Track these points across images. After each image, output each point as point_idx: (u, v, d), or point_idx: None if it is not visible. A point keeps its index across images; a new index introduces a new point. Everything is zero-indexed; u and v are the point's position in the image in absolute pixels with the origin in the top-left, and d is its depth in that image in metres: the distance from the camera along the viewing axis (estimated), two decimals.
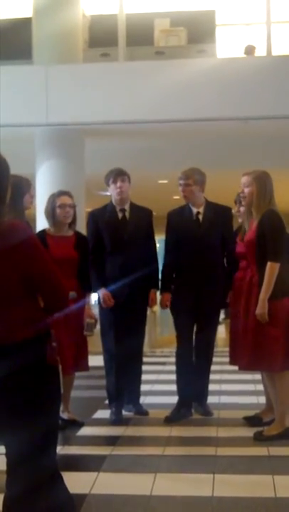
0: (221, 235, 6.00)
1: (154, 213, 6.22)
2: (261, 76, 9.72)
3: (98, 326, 6.02)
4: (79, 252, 5.79)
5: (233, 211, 6.16)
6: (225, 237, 6.00)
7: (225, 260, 6.11)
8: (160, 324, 13.47)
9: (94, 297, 6.20)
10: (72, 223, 5.89)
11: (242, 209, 5.86)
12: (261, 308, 5.22)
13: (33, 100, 9.83)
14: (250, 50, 11.62)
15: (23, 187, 5.32)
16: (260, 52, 11.42)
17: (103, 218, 6.06)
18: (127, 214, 6.07)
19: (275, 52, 11.11)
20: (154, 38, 12.62)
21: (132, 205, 6.13)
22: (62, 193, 5.88)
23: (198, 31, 12.42)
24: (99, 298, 6.04)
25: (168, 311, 6.24)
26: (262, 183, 5.37)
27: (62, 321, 5.41)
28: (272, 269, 5.21)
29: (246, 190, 5.43)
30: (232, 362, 5.89)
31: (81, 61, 10.96)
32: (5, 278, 2.73)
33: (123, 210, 6.07)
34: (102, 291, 5.97)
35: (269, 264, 5.22)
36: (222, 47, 12.34)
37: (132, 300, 5.96)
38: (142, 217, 6.11)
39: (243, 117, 9.70)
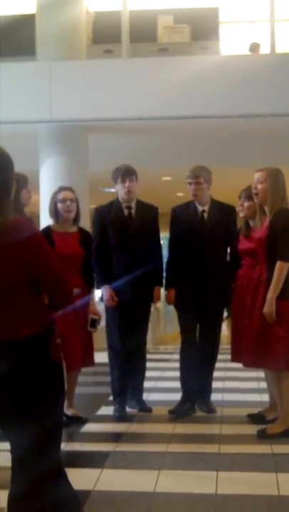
0: (224, 233, 6.00)
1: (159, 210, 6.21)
2: (264, 73, 9.69)
3: (102, 323, 6.03)
4: (84, 248, 5.81)
5: (237, 208, 6.14)
6: (229, 236, 6.01)
7: (228, 258, 6.12)
8: (164, 321, 13.47)
9: (98, 294, 6.20)
10: (76, 219, 5.89)
11: (246, 204, 5.83)
12: (269, 307, 5.18)
13: (37, 97, 9.81)
14: (254, 48, 11.59)
15: (20, 182, 5.30)
16: (264, 49, 11.40)
17: (109, 215, 6.04)
18: (133, 211, 6.06)
19: (278, 50, 11.08)
20: (158, 34, 12.59)
21: (138, 203, 6.11)
22: (63, 189, 5.91)
23: (201, 28, 12.38)
24: (102, 295, 6.04)
25: (172, 307, 6.25)
26: (275, 179, 5.30)
27: (71, 318, 5.43)
28: (281, 269, 5.15)
29: (259, 186, 5.33)
30: (234, 359, 5.89)
31: (85, 57, 10.92)
32: (10, 274, 2.73)
33: (129, 208, 6.05)
34: (106, 289, 5.97)
35: (279, 263, 5.15)
36: (226, 44, 12.31)
37: (136, 297, 5.96)
38: (148, 214, 6.10)
39: (246, 114, 9.67)
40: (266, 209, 5.34)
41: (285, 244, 5.18)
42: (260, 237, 5.36)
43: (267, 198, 5.30)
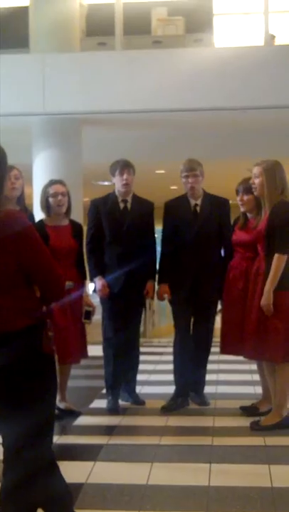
0: (218, 226, 5.99)
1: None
2: (259, 65, 9.68)
3: (96, 315, 6.02)
4: (77, 240, 5.81)
5: (231, 201, 6.12)
6: (222, 229, 6.00)
7: (222, 251, 6.12)
8: (158, 314, 13.47)
9: (91, 286, 6.20)
10: (68, 212, 5.87)
11: (245, 198, 5.78)
12: (266, 299, 5.18)
13: (30, 89, 9.78)
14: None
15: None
16: (258, 41, 11.37)
17: (105, 208, 6.04)
18: (128, 205, 6.05)
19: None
20: (152, 27, 12.57)
21: (134, 197, 6.10)
22: (54, 182, 5.87)
23: (195, 20, 12.37)
24: (95, 287, 6.05)
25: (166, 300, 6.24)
26: (272, 173, 5.29)
27: (68, 310, 5.44)
28: (279, 261, 5.15)
29: (256, 181, 5.34)
30: (224, 351, 5.89)
31: (78, 50, 10.91)
32: (2, 267, 2.72)
33: (125, 201, 6.05)
34: (99, 280, 5.98)
35: (276, 256, 5.15)
36: (220, 36, 12.30)
37: (130, 290, 5.97)
38: (143, 209, 6.09)
39: (240, 107, 9.66)
40: (265, 202, 5.34)
41: (282, 237, 5.18)
42: (260, 229, 5.37)
43: (264, 192, 5.30)
